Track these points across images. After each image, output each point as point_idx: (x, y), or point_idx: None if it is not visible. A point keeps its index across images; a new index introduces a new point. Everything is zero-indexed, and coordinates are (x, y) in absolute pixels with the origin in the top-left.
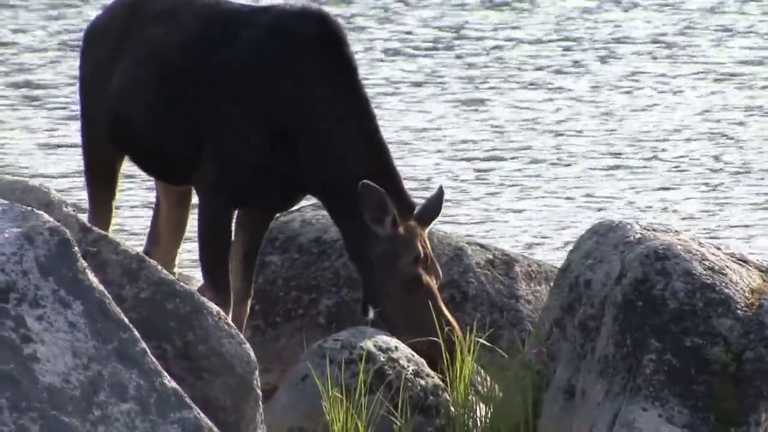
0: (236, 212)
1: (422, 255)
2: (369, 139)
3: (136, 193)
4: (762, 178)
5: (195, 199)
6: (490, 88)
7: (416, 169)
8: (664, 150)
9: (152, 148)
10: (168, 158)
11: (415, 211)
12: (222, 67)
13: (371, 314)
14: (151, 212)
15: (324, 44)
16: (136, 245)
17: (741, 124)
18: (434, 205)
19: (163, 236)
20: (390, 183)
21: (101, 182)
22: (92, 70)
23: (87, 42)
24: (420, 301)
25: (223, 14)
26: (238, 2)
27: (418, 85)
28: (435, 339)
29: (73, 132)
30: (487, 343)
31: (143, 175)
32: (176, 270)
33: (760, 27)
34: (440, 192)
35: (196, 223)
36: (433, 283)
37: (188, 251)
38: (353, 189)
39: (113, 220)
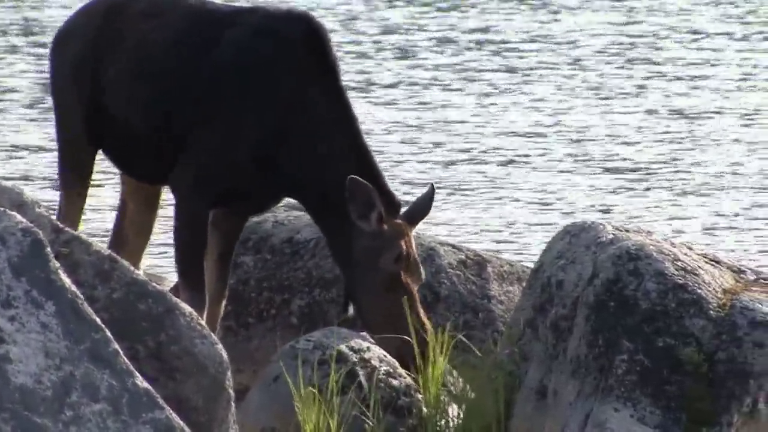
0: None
1: (404, 254)
2: (353, 140)
3: (100, 194)
4: (738, 182)
5: (165, 201)
6: (457, 90)
7: (389, 171)
8: (639, 151)
9: (134, 147)
10: (149, 157)
11: (404, 210)
12: (207, 67)
13: (351, 311)
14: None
15: (309, 46)
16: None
17: (703, 125)
18: (423, 204)
19: (130, 238)
20: (374, 182)
21: (75, 180)
22: (69, 68)
23: (61, 41)
24: (397, 300)
25: (208, 14)
26: (222, 3)
27: (392, 86)
28: (407, 339)
29: (36, 135)
30: (465, 340)
31: (108, 177)
32: (141, 272)
33: (718, 28)
34: (431, 191)
35: (159, 224)
36: (413, 284)
37: (161, 253)
38: (337, 188)
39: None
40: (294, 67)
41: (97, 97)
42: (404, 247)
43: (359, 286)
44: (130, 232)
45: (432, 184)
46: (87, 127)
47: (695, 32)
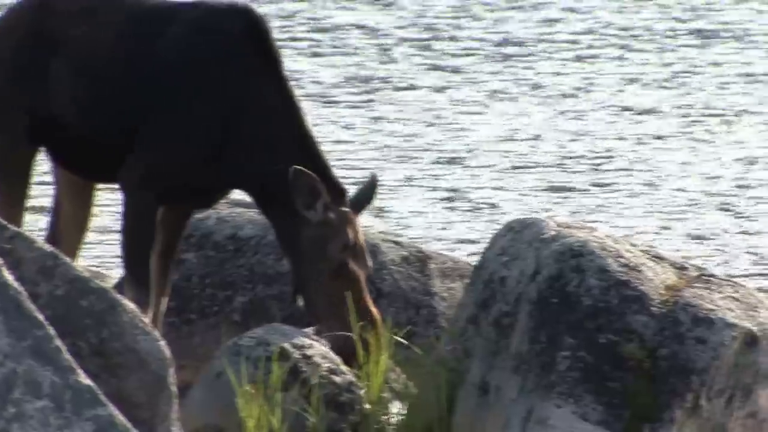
0: None
1: (351, 242)
2: (297, 130)
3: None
4: (682, 180)
5: (102, 199)
6: (406, 88)
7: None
8: (584, 149)
9: (79, 146)
10: (94, 155)
11: (348, 199)
12: (150, 65)
13: (300, 302)
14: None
15: (250, 39)
16: None
17: (647, 122)
18: (368, 192)
19: (66, 238)
20: (319, 171)
21: (16, 180)
22: (3, 69)
23: None
24: (344, 289)
25: (148, 11)
26: None
27: (337, 86)
28: (348, 332)
29: None
30: (402, 340)
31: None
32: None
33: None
34: (373, 180)
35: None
36: (360, 273)
37: (107, 245)
38: (283, 179)
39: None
40: (236, 61)
41: (37, 97)
42: (351, 235)
43: (307, 276)
44: (65, 231)
45: (374, 174)
46: (28, 126)
47: (636, 29)
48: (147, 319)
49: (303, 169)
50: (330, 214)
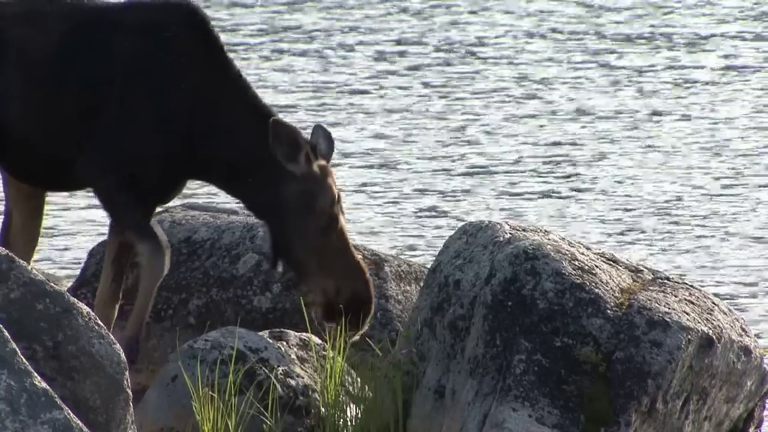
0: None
1: (337, 194)
2: (253, 105)
3: None
4: (637, 183)
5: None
6: (363, 92)
7: None
8: (538, 152)
9: (26, 154)
10: (43, 163)
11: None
12: (97, 69)
13: (280, 268)
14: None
15: (190, 30)
16: None
17: (600, 125)
18: (329, 142)
19: (17, 248)
20: None
21: None
22: None
23: None
24: (335, 243)
25: (89, 13)
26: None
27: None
28: (354, 285)
29: None
30: (365, 339)
31: None
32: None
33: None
34: (325, 130)
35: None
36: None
37: (58, 250)
38: (249, 152)
39: None
40: (179, 55)
41: None
42: (335, 188)
43: (296, 232)
44: (17, 240)
45: (319, 124)
46: None
47: (589, 34)
48: (93, 314)
49: (282, 120)
50: (313, 167)
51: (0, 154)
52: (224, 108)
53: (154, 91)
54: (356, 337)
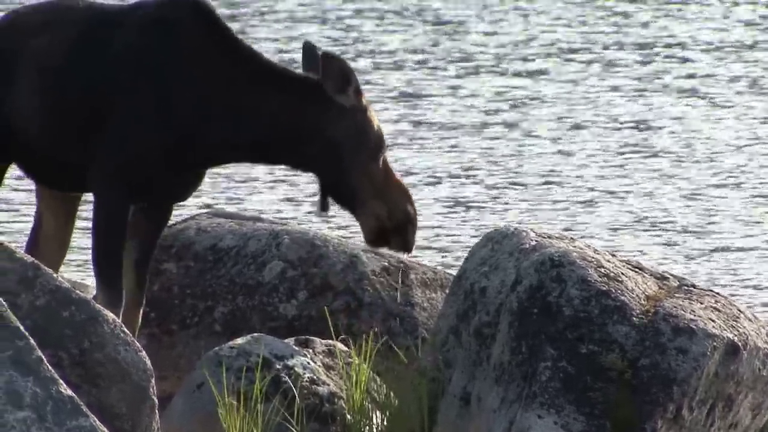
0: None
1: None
2: (278, 75)
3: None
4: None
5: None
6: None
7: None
8: (553, 161)
9: (46, 158)
10: (61, 168)
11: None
12: (105, 73)
13: (327, 210)
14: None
15: (201, 22)
16: None
17: (601, 135)
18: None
19: (47, 254)
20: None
21: None
22: None
23: None
24: (385, 169)
25: (98, 17)
26: (108, 2)
27: None
28: (402, 206)
29: None
30: (391, 346)
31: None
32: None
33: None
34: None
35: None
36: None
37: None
38: (277, 127)
39: None
40: (188, 48)
41: (6, 114)
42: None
43: (350, 164)
44: (47, 245)
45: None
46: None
47: (578, 42)
48: (119, 321)
49: (332, 54)
50: (362, 99)
51: (20, 162)
52: (245, 90)
53: (157, 89)
54: (405, 256)
